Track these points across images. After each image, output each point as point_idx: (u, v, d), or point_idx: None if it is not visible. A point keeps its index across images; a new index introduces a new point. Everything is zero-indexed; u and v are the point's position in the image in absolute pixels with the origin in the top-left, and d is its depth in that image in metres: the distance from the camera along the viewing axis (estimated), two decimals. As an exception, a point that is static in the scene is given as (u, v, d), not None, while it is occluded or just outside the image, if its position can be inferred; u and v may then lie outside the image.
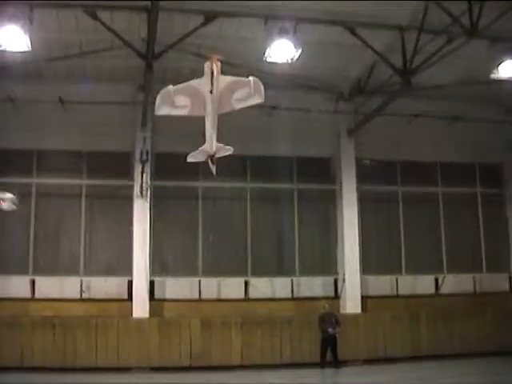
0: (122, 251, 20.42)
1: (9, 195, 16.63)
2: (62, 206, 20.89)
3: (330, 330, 19.19)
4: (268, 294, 21.22)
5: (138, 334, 19.24)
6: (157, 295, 20.36)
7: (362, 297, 21.40)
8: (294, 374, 18.95)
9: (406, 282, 22.32)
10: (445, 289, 22.53)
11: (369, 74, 20.13)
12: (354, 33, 16.95)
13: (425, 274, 22.57)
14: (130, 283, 20.02)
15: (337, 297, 21.65)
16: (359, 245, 21.67)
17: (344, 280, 21.47)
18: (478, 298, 22.43)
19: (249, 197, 21.85)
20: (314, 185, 22.44)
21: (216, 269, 21.22)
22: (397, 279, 22.29)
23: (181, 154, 20.73)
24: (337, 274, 21.87)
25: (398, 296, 22.17)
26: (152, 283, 20.28)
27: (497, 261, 23.41)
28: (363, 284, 21.55)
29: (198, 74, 20.57)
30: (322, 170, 22.54)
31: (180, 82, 20.16)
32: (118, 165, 20.92)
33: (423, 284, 22.45)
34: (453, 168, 23.51)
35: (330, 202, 22.38)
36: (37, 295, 19.78)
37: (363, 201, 22.11)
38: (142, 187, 20.03)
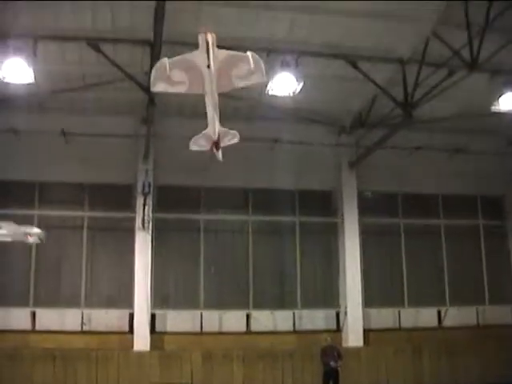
0: (124, 283, 20.39)
1: (36, 230, 16.64)
2: (64, 237, 20.80)
3: (332, 364, 18.98)
4: (270, 327, 21.14)
5: (138, 367, 19.13)
6: (158, 328, 20.29)
7: (364, 330, 21.30)
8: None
9: (409, 315, 22.21)
10: (447, 321, 22.41)
11: (370, 107, 20.21)
12: (355, 66, 17.07)
13: (427, 306, 22.46)
14: (131, 316, 19.96)
15: (339, 330, 21.55)
16: (361, 277, 21.60)
17: (346, 313, 21.38)
18: (481, 331, 22.26)
19: (250, 229, 21.84)
20: (316, 217, 22.44)
21: (218, 301, 21.16)
22: (399, 312, 22.18)
23: (182, 186, 21.22)
24: (339, 306, 21.77)
25: (400, 329, 22.05)
26: (153, 316, 20.22)
27: (500, 293, 23.30)
28: (365, 317, 21.45)
29: (199, 106, 20.81)
30: (323, 203, 22.57)
31: (181, 117, 20.48)
32: (119, 197, 20.96)
33: (426, 317, 22.33)
34: (455, 200, 23.51)
35: (331, 235, 22.35)
36: (37, 327, 19.70)
37: (365, 233, 22.10)
38: (143, 219, 20.05)
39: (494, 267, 23.52)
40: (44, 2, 14.54)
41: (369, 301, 21.72)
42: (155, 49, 14.61)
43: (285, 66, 15.84)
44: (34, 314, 19.76)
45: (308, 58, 16.61)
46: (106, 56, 16.06)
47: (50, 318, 19.75)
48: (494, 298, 23.18)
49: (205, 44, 7.15)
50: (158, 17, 13.15)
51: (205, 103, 8.43)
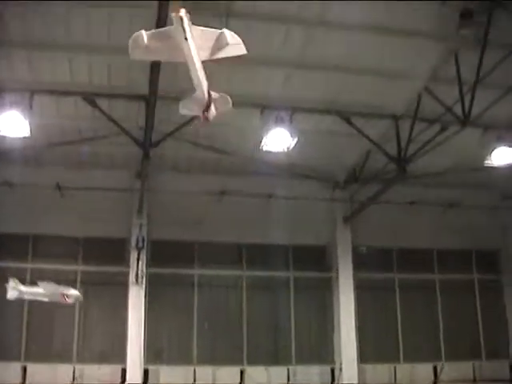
0: (117, 338, 20.20)
1: (73, 292, 16.65)
2: (57, 292, 20.69)
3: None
4: (264, 383, 20.85)
5: (131, 424, 18.87)
6: (151, 383, 19.99)
7: (360, 386, 21.07)
8: None
9: (404, 371, 22.01)
10: (444, 377, 22.14)
11: (364, 162, 20.31)
12: (349, 122, 17.27)
13: (423, 361, 22.29)
14: (124, 371, 19.71)
15: (334, 386, 21.31)
16: (356, 333, 21.43)
17: (341, 369, 21.16)
18: (477, 386, 22.07)
19: (245, 285, 21.76)
20: (310, 273, 22.41)
21: (211, 357, 20.92)
22: (395, 368, 21.98)
23: (176, 241, 21.16)
24: (334, 362, 21.58)
25: (396, 385, 21.81)
26: (146, 371, 19.98)
27: (496, 348, 23.13)
28: (360, 373, 21.22)
29: (194, 161, 21.01)
30: (318, 258, 22.57)
31: (176, 172, 20.56)
32: (113, 251, 20.93)
33: (422, 372, 22.16)
34: (449, 254, 23.50)
35: (326, 290, 22.27)
36: (29, 382, 19.39)
37: (360, 288, 21.99)
38: (137, 274, 19.97)
39: (489, 322, 23.38)
40: (41, 55, 14.77)
41: (364, 356, 21.51)
42: (150, 104, 14.77)
43: (279, 121, 15.97)
44: (25, 369, 19.50)
45: (302, 113, 16.79)
46: (101, 111, 16.23)
47: (42, 373, 19.50)
48: (491, 353, 22.99)
49: (179, 21, 7.09)
50: (154, 73, 13.28)
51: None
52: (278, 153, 17.43)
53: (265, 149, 17.10)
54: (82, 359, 20.09)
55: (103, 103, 16.31)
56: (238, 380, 20.72)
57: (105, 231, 20.62)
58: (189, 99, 8.20)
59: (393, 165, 17.97)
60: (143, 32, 7.17)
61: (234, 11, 12.37)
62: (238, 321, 21.43)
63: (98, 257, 20.79)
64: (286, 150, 16.95)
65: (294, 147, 16.81)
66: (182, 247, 21.27)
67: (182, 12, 6.90)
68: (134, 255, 20.12)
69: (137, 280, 19.95)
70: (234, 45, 7.38)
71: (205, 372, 20.52)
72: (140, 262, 20.03)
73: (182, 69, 14.67)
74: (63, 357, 19.98)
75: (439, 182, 21.13)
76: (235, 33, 13.43)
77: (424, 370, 22.18)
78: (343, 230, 22.06)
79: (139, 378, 19.57)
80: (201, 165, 20.66)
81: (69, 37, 14.14)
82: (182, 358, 20.81)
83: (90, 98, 16.12)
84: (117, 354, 20.00)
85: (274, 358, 21.57)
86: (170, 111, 16.70)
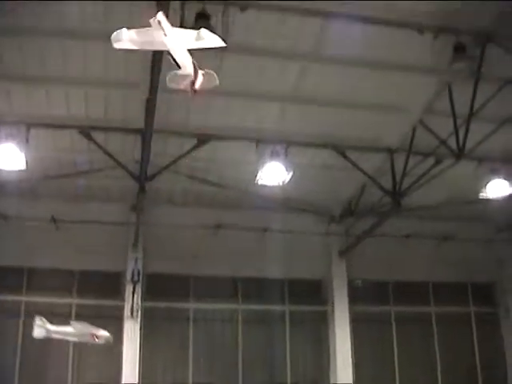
0: (111, 373, 19.93)
1: (104, 333, 16.57)
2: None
3: None
4: (259, 418, 20.73)
5: None
6: (145, 421, 19.85)
7: (356, 421, 20.90)
8: None
9: (402, 403, 21.85)
10: (441, 410, 22.05)
11: (359, 196, 20.35)
12: (344, 155, 17.36)
13: (420, 395, 22.10)
14: (119, 409, 19.51)
15: (330, 420, 21.15)
16: (352, 366, 21.25)
17: (338, 403, 21.00)
18: (475, 419, 21.95)
19: (240, 318, 21.63)
20: (306, 306, 22.30)
21: (207, 393, 20.76)
22: (392, 400, 21.83)
23: (172, 275, 21.10)
24: (330, 396, 21.41)
25: (393, 419, 21.67)
26: (141, 409, 19.78)
27: (493, 381, 22.98)
28: (357, 406, 21.06)
29: (190, 194, 21.04)
30: (313, 292, 22.48)
31: (171, 205, 20.56)
32: (108, 285, 20.81)
33: (419, 406, 21.97)
34: (445, 287, 23.43)
35: (322, 323, 22.15)
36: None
37: (356, 321, 21.86)
38: (132, 308, 19.84)
39: (486, 354, 23.26)
40: (38, 88, 14.95)
41: (361, 390, 21.38)
42: (146, 138, 14.83)
43: (274, 155, 16.07)
44: (16, 407, 19.28)
45: (297, 147, 16.87)
46: (97, 144, 16.29)
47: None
48: (488, 386, 22.84)
49: (157, 24, 7.12)
50: (150, 108, 13.38)
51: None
52: (273, 187, 17.47)
53: (260, 182, 17.14)
54: (76, 394, 19.91)
55: (99, 136, 16.38)
56: (234, 416, 20.57)
57: (100, 264, 20.50)
58: (175, 74, 8.18)
59: (388, 198, 18.03)
60: (124, 29, 7.21)
61: (229, 46, 12.44)
62: (233, 355, 21.23)
63: (93, 290, 20.65)
64: (281, 183, 17.01)
65: (289, 181, 16.89)
66: (177, 281, 21.18)
67: (159, 15, 6.97)
68: (129, 289, 20.00)
69: (132, 314, 19.82)
70: (213, 39, 7.42)
71: (201, 406, 20.37)
72: (135, 296, 19.91)
73: (178, 104, 15.08)
74: (58, 392, 19.80)
75: (434, 215, 21.16)
76: (230, 67, 13.75)
77: (421, 403, 22.03)
78: (339, 263, 22.02)
79: (134, 416, 19.38)
80: (196, 198, 20.67)
81: (65, 71, 14.27)
82: (177, 393, 20.64)
83: (86, 132, 16.19)
84: (112, 389, 19.83)
85: (270, 392, 21.44)
86: (165, 145, 16.92)
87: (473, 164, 17.83)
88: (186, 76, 8.18)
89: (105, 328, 20.02)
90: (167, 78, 8.16)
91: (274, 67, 14.53)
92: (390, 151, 17.71)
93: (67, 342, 19.54)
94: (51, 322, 19.50)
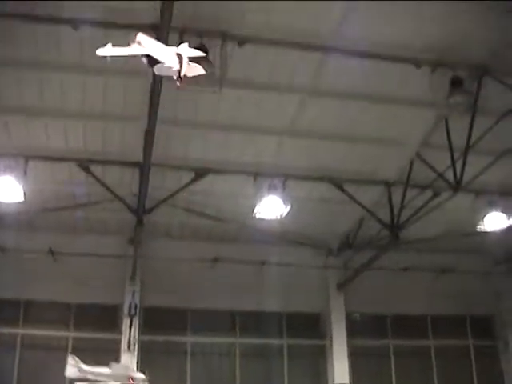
0: (108, 407, 19.80)
1: (140, 375, 16.51)
2: (48, 358, 20.21)
3: None
4: None
5: None
6: None
7: None
8: None
9: None
10: None
11: (357, 229, 20.36)
12: (341, 189, 17.40)
13: (419, 430, 21.93)
14: None
15: None
16: (351, 401, 21.11)
17: None
18: None
19: (238, 352, 21.41)
20: (304, 340, 22.09)
21: (204, 428, 20.58)
22: None
23: (169, 308, 20.97)
24: (328, 432, 21.22)
25: None
26: None
27: (493, 414, 22.81)
28: None
29: (187, 228, 20.98)
30: (311, 325, 22.32)
31: (169, 238, 20.47)
32: (106, 317, 20.64)
33: None
34: (444, 320, 23.26)
35: (320, 357, 21.97)
36: None
37: (354, 355, 21.69)
38: (129, 341, 19.69)
39: (486, 388, 23.11)
40: (37, 121, 15.04)
41: (358, 425, 21.19)
42: (144, 171, 14.89)
43: (272, 189, 16.13)
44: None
45: (295, 181, 16.96)
46: (95, 177, 16.32)
47: None
48: (487, 420, 22.68)
49: (137, 44, 7.16)
50: (148, 141, 13.44)
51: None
52: (271, 220, 17.51)
53: (258, 216, 17.20)
54: (71, 430, 19.67)
55: (97, 169, 16.44)
56: None
57: (97, 297, 20.35)
58: (162, 65, 8.17)
59: (386, 231, 18.02)
60: (110, 45, 7.25)
61: (227, 80, 12.57)
62: (231, 389, 21.13)
63: (90, 323, 20.45)
64: (279, 217, 17.05)
65: (286, 214, 16.93)
66: (174, 314, 20.99)
67: (139, 36, 7.04)
68: (126, 322, 19.86)
69: (129, 347, 19.67)
70: (192, 52, 7.50)
71: None
72: (132, 329, 19.77)
73: (176, 137, 15.20)
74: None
75: (432, 248, 21.08)
76: (228, 101, 13.87)
77: None
78: (337, 296, 21.91)
79: None
80: (194, 231, 20.63)
81: (64, 103, 14.41)
82: (173, 430, 20.45)
83: (84, 165, 16.25)
84: (106, 423, 19.62)
85: (267, 427, 21.25)
86: (163, 178, 16.94)
87: (470, 197, 17.90)
88: (171, 67, 8.13)
89: (101, 361, 19.96)
90: (155, 69, 8.09)
91: (272, 101, 14.65)
92: (388, 184, 17.78)
93: (63, 376, 19.47)
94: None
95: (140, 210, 16.49)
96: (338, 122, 15.42)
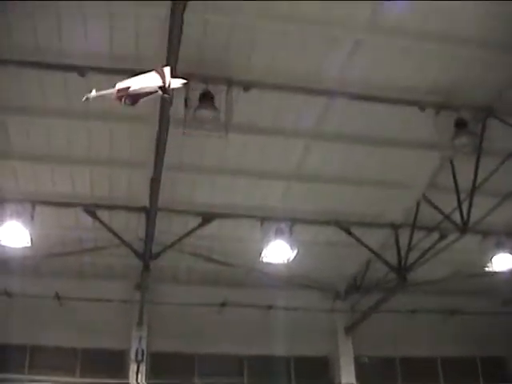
0: None
1: None
2: (54, 405, 20.24)
3: None
4: None
5: None
6: None
7: None
8: None
9: None
10: None
11: (364, 272, 20.31)
12: (348, 232, 17.39)
13: None
14: None
15: None
16: None
17: None
18: None
19: (247, 397, 21.28)
20: (313, 384, 21.95)
21: None
22: None
23: (176, 353, 20.83)
24: None
25: None
26: None
27: None
28: None
29: (194, 272, 20.94)
30: (320, 369, 22.05)
31: (176, 283, 20.37)
32: (112, 363, 20.45)
33: None
34: (454, 363, 22.97)
35: (329, 402, 21.78)
36: None
37: (363, 399, 21.51)
38: (136, 387, 19.59)
39: (499, 432, 22.78)
40: (44, 167, 15.18)
41: None
42: (151, 216, 14.92)
43: (279, 233, 16.20)
44: None
45: (301, 225, 16.98)
46: (101, 222, 16.38)
47: None
48: None
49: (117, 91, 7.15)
50: (154, 186, 13.50)
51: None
52: (278, 264, 17.52)
53: (265, 260, 17.23)
54: None
55: (103, 214, 16.51)
56: None
57: (104, 343, 20.21)
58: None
59: (393, 274, 17.95)
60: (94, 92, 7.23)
61: (233, 125, 12.65)
62: None
63: (97, 369, 20.29)
64: (286, 261, 17.06)
65: (294, 258, 16.94)
66: (182, 359, 20.79)
67: (119, 84, 7.11)
68: (133, 368, 19.70)
69: (136, 393, 19.57)
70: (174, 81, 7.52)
71: None
72: (139, 375, 19.61)
73: (182, 182, 15.29)
74: None
75: (440, 289, 20.94)
76: (234, 146, 13.99)
77: None
78: (345, 340, 21.71)
79: None
80: (201, 276, 20.55)
81: (70, 150, 14.55)
82: None
83: (91, 210, 16.32)
84: None
85: None
86: (170, 223, 16.97)
87: (477, 238, 17.89)
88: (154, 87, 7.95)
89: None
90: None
91: (278, 145, 14.74)
92: (395, 227, 17.77)
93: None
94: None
95: (147, 255, 16.48)
96: (343, 166, 15.49)
